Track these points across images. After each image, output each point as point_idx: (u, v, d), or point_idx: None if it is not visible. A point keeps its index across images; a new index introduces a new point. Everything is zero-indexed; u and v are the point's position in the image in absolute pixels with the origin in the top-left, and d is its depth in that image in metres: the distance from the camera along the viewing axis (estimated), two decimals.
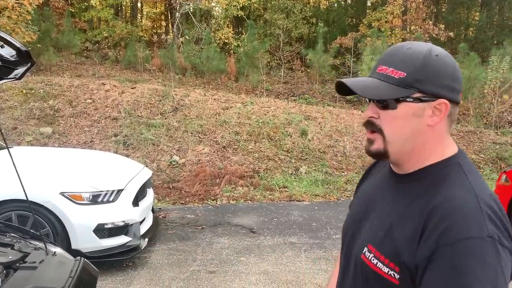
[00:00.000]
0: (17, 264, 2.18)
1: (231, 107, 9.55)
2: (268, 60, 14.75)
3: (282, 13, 16.33)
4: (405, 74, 1.04)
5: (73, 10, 14.41)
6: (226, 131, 8.76)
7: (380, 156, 1.11)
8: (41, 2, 9.85)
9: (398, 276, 1.01)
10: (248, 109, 9.58)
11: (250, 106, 9.75)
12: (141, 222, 4.39)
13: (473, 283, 0.91)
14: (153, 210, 5.12)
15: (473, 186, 1.01)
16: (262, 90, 11.97)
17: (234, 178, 7.34)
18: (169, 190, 6.99)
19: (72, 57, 12.71)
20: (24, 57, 2.27)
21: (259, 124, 9.07)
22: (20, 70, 2.41)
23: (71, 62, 12.42)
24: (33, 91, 8.84)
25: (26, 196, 2.45)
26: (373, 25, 16.19)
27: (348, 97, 12.63)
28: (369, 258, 1.08)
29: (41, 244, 2.47)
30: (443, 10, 20.44)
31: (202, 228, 5.29)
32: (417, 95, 1.04)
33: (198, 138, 8.52)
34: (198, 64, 12.74)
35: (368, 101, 1.13)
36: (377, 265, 1.06)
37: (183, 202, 6.50)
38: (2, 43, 2.07)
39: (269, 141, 8.71)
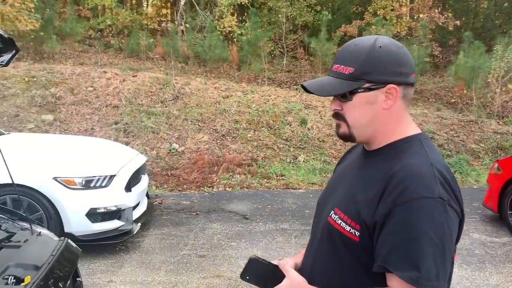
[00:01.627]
0: (2, 243, 2.27)
1: (231, 96, 9.60)
2: (271, 48, 14.70)
3: (286, 1, 16.21)
4: (353, 69, 1.17)
5: None
6: (225, 119, 8.82)
7: (347, 139, 1.26)
8: None
9: (358, 234, 1.15)
10: (248, 97, 9.62)
11: (251, 94, 9.78)
12: (134, 207, 4.49)
13: (421, 236, 1.05)
14: (148, 196, 5.22)
15: (430, 157, 1.16)
16: (264, 78, 11.97)
17: (232, 166, 7.41)
18: (168, 177, 7.09)
19: (75, 45, 12.78)
20: (7, 44, 2.34)
21: (259, 113, 9.11)
22: (5, 57, 2.48)
23: (74, 50, 12.49)
24: (35, 79, 8.95)
25: (12, 180, 2.53)
26: (378, 13, 16.04)
27: None
28: (335, 220, 1.22)
29: (27, 225, 2.56)
30: None
31: (197, 214, 5.38)
32: (367, 85, 1.17)
33: (197, 126, 8.59)
34: (201, 52, 12.74)
35: (333, 96, 1.25)
36: (341, 225, 1.19)
37: (181, 189, 6.60)
38: None
39: (268, 130, 8.76)
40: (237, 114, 8.99)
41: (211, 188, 6.62)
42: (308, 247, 1.41)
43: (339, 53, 1.24)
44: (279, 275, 1.29)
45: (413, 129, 1.24)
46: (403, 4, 17.57)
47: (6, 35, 2.25)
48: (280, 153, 8.18)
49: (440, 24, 16.34)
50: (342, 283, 1.21)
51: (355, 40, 1.23)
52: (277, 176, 7.29)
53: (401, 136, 1.22)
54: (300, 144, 8.53)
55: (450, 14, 18.44)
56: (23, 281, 1.94)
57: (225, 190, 6.55)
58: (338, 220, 1.21)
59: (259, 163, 7.70)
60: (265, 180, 7.10)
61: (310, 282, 1.26)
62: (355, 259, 1.18)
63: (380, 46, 1.18)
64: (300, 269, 1.44)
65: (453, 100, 11.71)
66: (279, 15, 16.07)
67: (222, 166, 7.35)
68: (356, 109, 1.20)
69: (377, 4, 16.93)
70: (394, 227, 1.08)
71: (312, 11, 17.02)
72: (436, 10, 17.53)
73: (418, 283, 1.04)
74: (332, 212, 1.24)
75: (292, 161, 7.99)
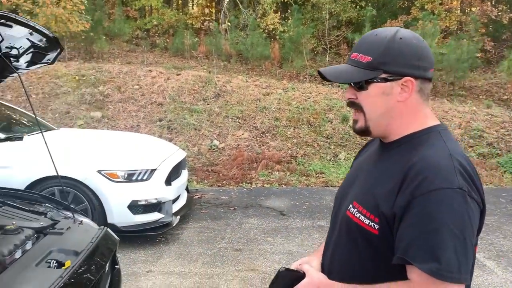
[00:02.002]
0: (47, 230, 2.43)
1: (271, 93, 9.64)
2: (314, 45, 14.59)
3: None
4: (371, 58, 1.17)
5: None
6: (265, 116, 8.87)
7: (364, 133, 1.25)
8: None
9: (377, 227, 1.15)
10: (289, 95, 9.62)
11: (291, 92, 9.78)
12: (174, 201, 4.63)
13: (441, 227, 1.03)
14: (188, 190, 5.36)
15: (449, 148, 1.13)
16: (306, 76, 11.92)
17: (271, 163, 7.45)
18: (208, 173, 7.23)
19: (123, 45, 13.27)
20: (53, 43, 2.49)
21: (299, 110, 9.09)
22: (51, 55, 2.64)
23: (122, 49, 12.97)
24: (85, 78, 9.39)
25: (57, 172, 2.69)
26: (426, 8, 15.51)
27: None
28: (353, 213, 1.22)
29: (71, 214, 2.72)
30: None
31: (234, 209, 5.47)
32: (383, 75, 1.17)
33: (238, 123, 8.70)
34: (243, 50, 12.86)
35: (347, 84, 1.26)
36: (360, 218, 1.20)
37: (220, 184, 6.72)
38: (31, 30, 2.28)
39: (309, 127, 8.72)
40: (277, 112, 9.02)
41: (249, 184, 6.69)
42: (326, 242, 1.42)
43: (358, 42, 1.24)
44: None
45: (431, 121, 1.22)
46: None
47: (51, 35, 2.39)
48: (320, 151, 8.13)
49: (493, 17, 15.59)
50: (362, 276, 1.21)
51: (375, 30, 1.23)
52: (316, 174, 7.25)
53: (418, 128, 1.21)
54: (341, 142, 8.44)
55: (504, 7, 17.54)
56: (63, 265, 2.06)
57: (263, 186, 6.60)
58: (356, 214, 1.21)
59: (298, 161, 7.69)
60: (304, 177, 7.09)
61: (329, 276, 1.27)
62: (375, 251, 1.18)
63: (401, 38, 1.17)
64: (321, 264, 1.45)
65: (505, 97, 11.16)
66: (323, 12, 15.92)
67: (261, 163, 7.41)
68: (371, 98, 1.20)
69: None
70: (413, 219, 1.07)
71: (357, 6, 16.72)
72: (489, 3, 16.73)
73: (438, 275, 1.03)
74: (351, 205, 1.25)
75: (332, 158, 7.93)
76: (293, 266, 1.36)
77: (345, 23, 16.40)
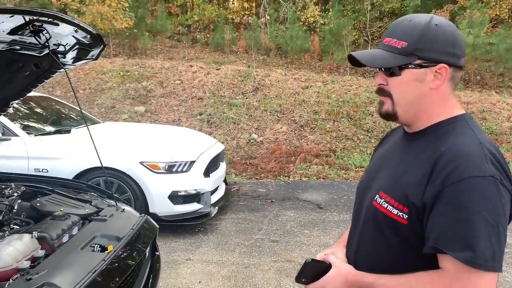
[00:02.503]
0: (92, 216, 2.57)
1: (310, 86, 9.59)
2: (355, 37, 14.35)
3: None
4: (406, 44, 1.16)
5: None
6: (304, 110, 8.85)
7: (390, 117, 1.24)
8: None
9: (406, 216, 1.14)
10: (328, 88, 9.54)
11: (331, 85, 9.69)
12: (212, 192, 4.74)
13: (473, 215, 1.03)
14: (226, 182, 5.46)
15: (478, 137, 1.13)
16: (346, 68, 11.76)
17: (309, 157, 7.44)
18: (246, 166, 7.32)
19: (165, 41, 13.60)
20: (96, 39, 2.62)
21: (339, 103, 9.00)
22: (95, 51, 2.78)
23: (164, 45, 13.31)
24: (129, 73, 9.72)
25: (101, 163, 2.83)
26: None
27: None
28: (380, 203, 1.21)
29: (114, 203, 2.86)
30: None
31: (272, 201, 5.53)
32: (418, 61, 1.16)
33: (276, 117, 8.73)
34: (282, 44, 12.85)
35: (378, 70, 1.24)
36: (387, 208, 1.19)
37: (258, 177, 6.79)
38: (76, 28, 2.42)
39: (349, 120, 8.63)
40: (316, 105, 8.97)
41: (287, 177, 6.72)
42: (350, 233, 1.41)
43: (391, 27, 1.22)
44: None
45: (457, 110, 1.21)
46: None
47: (94, 32, 2.52)
48: (360, 144, 8.03)
49: None
50: (390, 266, 1.20)
51: (409, 16, 1.21)
52: (356, 168, 7.17)
53: (445, 117, 1.19)
54: (382, 135, 8.26)
55: None
56: (106, 249, 2.19)
57: (301, 179, 6.61)
58: (384, 204, 1.20)
59: (337, 154, 7.63)
60: (343, 171, 7.03)
61: (355, 267, 1.28)
62: (403, 241, 1.18)
63: (436, 24, 1.15)
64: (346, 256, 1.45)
65: None
66: (365, 3, 15.59)
67: (300, 156, 7.41)
68: (403, 85, 1.18)
69: None
70: (445, 208, 1.06)
71: None
72: None
73: (473, 263, 1.02)
74: (377, 196, 1.24)
75: (373, 152, 7.80)
76: (318, 257, 1.36)
77: (388, 14, 15.99)
